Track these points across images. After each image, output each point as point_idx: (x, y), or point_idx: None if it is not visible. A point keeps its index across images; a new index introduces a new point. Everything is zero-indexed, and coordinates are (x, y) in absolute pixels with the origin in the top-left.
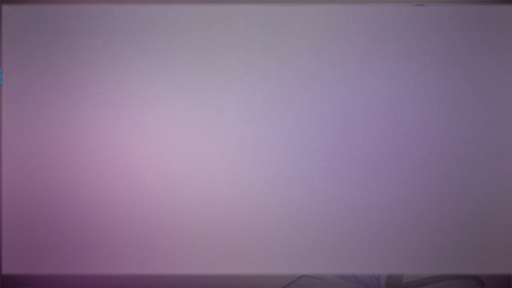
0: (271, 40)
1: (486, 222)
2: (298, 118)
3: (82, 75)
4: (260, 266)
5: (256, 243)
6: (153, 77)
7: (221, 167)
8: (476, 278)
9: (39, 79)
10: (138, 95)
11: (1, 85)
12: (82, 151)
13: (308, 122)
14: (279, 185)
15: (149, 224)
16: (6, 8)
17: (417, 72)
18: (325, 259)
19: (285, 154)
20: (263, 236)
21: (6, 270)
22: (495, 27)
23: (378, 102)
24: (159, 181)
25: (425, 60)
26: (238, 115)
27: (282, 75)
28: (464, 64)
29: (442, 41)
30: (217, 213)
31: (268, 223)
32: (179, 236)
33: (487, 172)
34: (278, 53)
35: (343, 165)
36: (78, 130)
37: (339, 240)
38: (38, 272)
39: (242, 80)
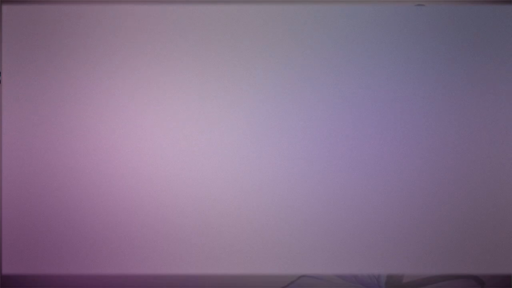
0: (271, 40)
1: (486, 222)
2: (298, 118)
3: (82, 75)
4: (260, 266)
5: (256, 243)
6: (153, 77)
7: (221, 167)
8: (476, 278)
9: (39, 79)
10: (138, 95)
11: (1, 82)
12: (82, 151)
13: (308, 122)
14: (279, 185)
15: (149, 224)
16: (6, 8)
17: (417, 72)
18: (325, 259)
19: (285, 154)
20: (263, 236)
21: (6, 270)
22: (495, 27)
23: (377, 102)
24: (159, 181)
25: (425, 60)
26: (238, 115)
27: (282, 75)
28: (464, 64)
29: (442, 41)
30: (217, 213)
31: (268, 223)
32: (179, 236)
33: (487, 172)
34: (278, 53)
35: (343, 165)
36: (78, 130)
37: (339, 240)
38: (38, 272)
39: (242, 80)
